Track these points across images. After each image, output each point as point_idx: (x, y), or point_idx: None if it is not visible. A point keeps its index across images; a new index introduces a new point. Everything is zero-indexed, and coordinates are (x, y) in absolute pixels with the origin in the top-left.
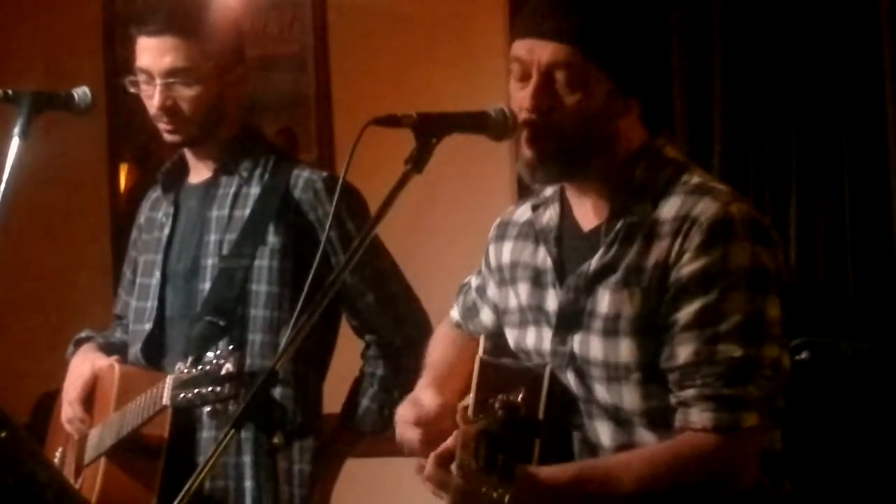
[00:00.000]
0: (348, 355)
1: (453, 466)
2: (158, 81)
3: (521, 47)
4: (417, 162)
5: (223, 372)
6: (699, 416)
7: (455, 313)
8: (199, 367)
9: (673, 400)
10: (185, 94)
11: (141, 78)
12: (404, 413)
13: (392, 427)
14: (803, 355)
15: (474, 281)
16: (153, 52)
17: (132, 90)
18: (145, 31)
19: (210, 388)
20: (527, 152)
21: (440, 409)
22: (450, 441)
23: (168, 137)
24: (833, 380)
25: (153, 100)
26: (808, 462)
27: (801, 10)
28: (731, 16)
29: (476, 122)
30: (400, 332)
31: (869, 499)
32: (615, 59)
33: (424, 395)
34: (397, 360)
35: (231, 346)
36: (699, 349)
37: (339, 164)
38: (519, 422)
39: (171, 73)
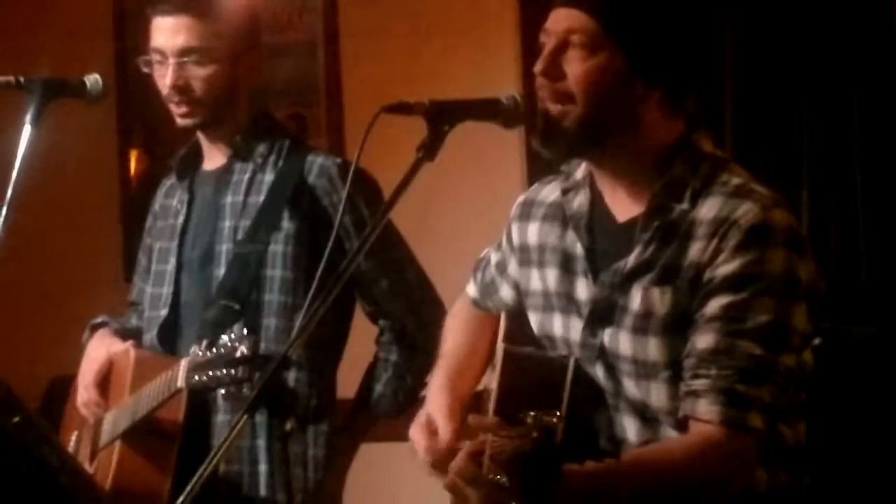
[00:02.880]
0: (362, 341)
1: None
2: (172, 60)
3: (548, 20)
4: (429, 149)
5: (238, 354)
6: (708, 408)
7: (472, 290)
8: (214, 350)
9: (683, 388)
10: (198, 73)
11: (154, 58)
12: (417, 437)
13: (405, 411)
14: (816, 341)
15: (494, 257)
16: (167, 32)
17: (145, 70)
18: (160, 10)
19: (225, 371)
20: (539, 121)
21: (452, 437)
22: (479, 442)
23: (180, 120)
24: (846, 366)
25: (166, 79)
26: (823, 450)
27: (814, 3)
28: (742, 9)
29: (487, 110)
30: (414, 318)
31: (884, 488)
32: (634, 36)
33: (438, 418)
34: (411, 345)
35: (246, 330)
36: (719, 340)
37: (349, 151)
38: (552, 449)
39: (184, 52)
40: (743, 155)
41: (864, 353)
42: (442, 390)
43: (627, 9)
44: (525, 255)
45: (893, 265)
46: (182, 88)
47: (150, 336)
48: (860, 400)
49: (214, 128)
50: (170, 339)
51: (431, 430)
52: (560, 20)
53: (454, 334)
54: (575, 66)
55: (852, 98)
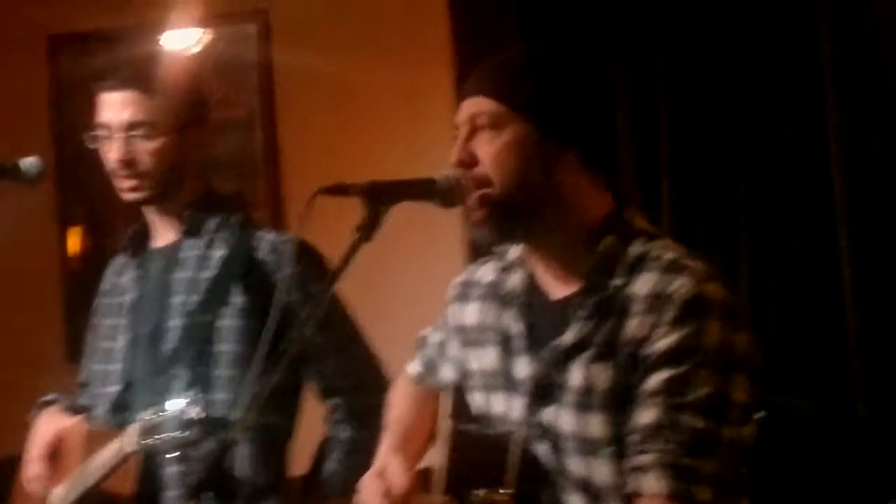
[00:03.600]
0: (313, 420)
1: None
2: (118, 135)
3: (458, 113)
4: (367, 230)
5: (188, 416)
6: (654, 483)
7: (413, 368)
8: (164, 413)
9: (628, 464)
10: (145, 147)
11: (101, 133)
12: (370, 485)
13: (355, 489)
14: (760, 414)
15: (433, 337)
16: (114, 107)
17: (91, 146)
18: (106, 86)
19: (176, 433)
20: (471, 211)
21: (409, 484)
22: None
23: (127, 196)
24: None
25: (112, 154)
26: None
27: (746, 72)
28: (675, 78)
29: (424, 190)
30: (363, 396)
31: None
32: (531, 102)
33: (392, 467)
34: (361, 423)
35: (194, 394)
36: (661, 415)
37: (289, 224)
38: None
39: (131, 126)
40: (681, 225)
41: (804, 428)
42: (393, 454)
43: (522, 79)
44: (464, 336)
45: (833, 338)
46: (129, 163)
47: (100, 413)
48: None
49: (162, 203)
50: (121, 416)
51: (386, 477)
52: (465, 110)
53: (398, 405)
54: (484, 148)
55: (788, 172)
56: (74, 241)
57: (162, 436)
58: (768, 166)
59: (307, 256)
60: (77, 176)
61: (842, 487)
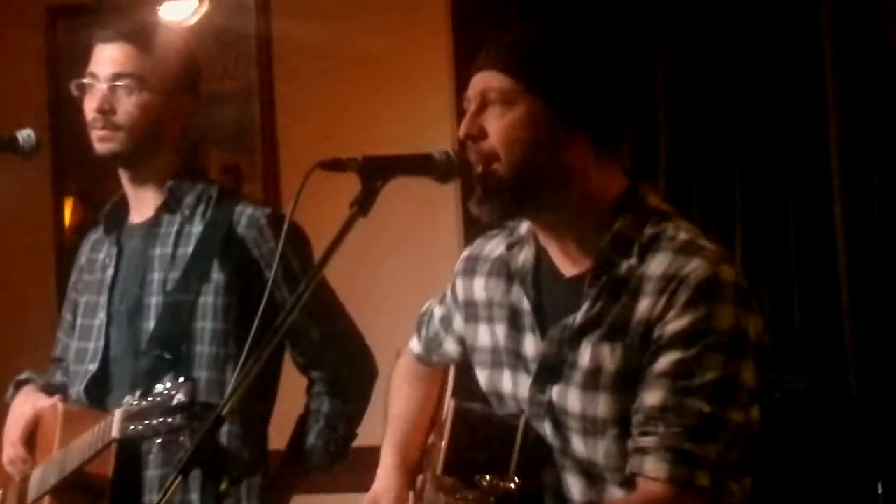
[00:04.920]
0: (292, 392)
1: None
2: (103, 84)
3: (469, 87)
4: (363, 205)
5: (174, 402)
6: (655, 466)
7: (416, 345)
8: (149, 399)
9: (631, 444)
10: (126, 101)
11: (87, 81)
12: None
13: (337, 462)
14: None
15: (437, 311)
16: (105, 57)
17: (76, 93)
18: (102, 37)
19: (161, 419)
20: (475, 186)
21: None
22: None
23: (99, 146)
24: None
25: (92, 102)
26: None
27: (745, 45)
28: (673, 49)
29: (421, 165)
30: (345, 369)
31: None
32: (548, 83)
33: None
34: (343, 396)
35: (182, 378)
36: (668, 397)
37: (285, 199)
38: None
39: (116, 76)
40: (675, 203)
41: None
42: (393, 468)
43: (537, 57)
44: (471, 311)
45: (827, 315)
46: (106, 112)
47: (77, 391)
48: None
49: (135, 166)
50: (98, 394)
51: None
52: (476, 84)
53: (401, 394)
54: (494, 123)
55: (785, 145)
56: (70, 212)
57: (146, 422)
58: (765, 143)
59: (288, 232)
60: (73, 147)
61: (832, 465)
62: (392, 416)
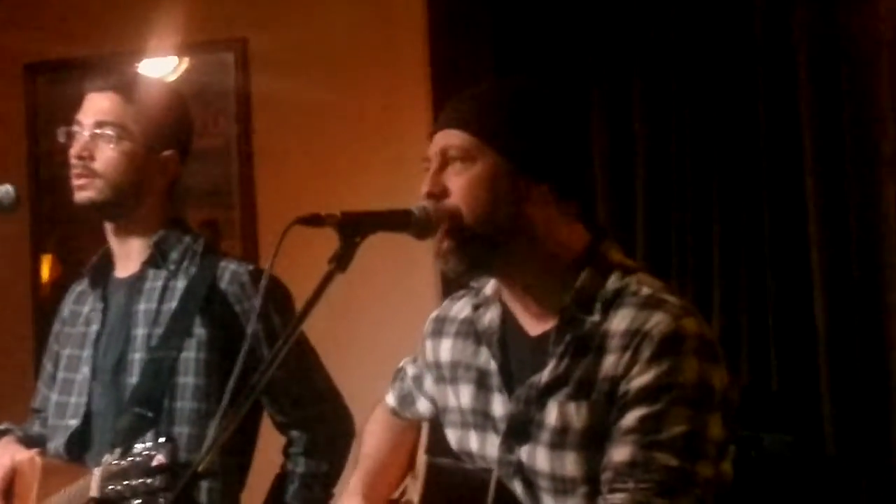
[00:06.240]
0: (269, 450)
1: None
2: (86, 132)
3: (430, 147)
4: (341, 261)
5: (154, 463)
6: None
7: (391, 399)
8: (129, 459)
9: (600, 502)
10: (106, 149)
11: (74, 128)
12: None
13: None
14: (730, 449)
15: (410, 370)
16: (91, 105)
17: (63, 140)
18: (91, 87)
19: (140, 480)
20: (438, 243)
21: None
22: None
23: (77, 195)
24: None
25: (74, 149)
26: None
27: (722, 96)
28: (650, 100)
29: (399, 221)
30: (322, 429)
31: None
32: (503, 136)
33: None
34: (319, 457)
35: (163, 438)
36: (636, 453)
37: (263, 254)
38: None
39: (99, 123)
40: (654, 259)
41: (775, 461)
42: (355, 496)
43: (495, 113)
44: (439, 373)
45: (804, 374)
46: (84, 158)
47: (56, 445)
48: None
49: (116, 219)
50: (78, 449)
51: None
52: (437, 142)
53: (374, 437)
54: (455, 180)
55: (762, 204)
56: (47, 269)
57: (125, 482)
58: (742, 201)
59: (269, 288)
60: (51, 203)
61: None
62: (363, 455)
